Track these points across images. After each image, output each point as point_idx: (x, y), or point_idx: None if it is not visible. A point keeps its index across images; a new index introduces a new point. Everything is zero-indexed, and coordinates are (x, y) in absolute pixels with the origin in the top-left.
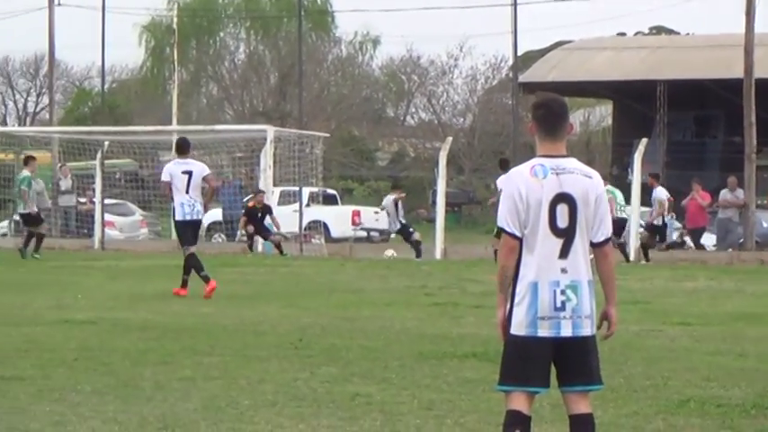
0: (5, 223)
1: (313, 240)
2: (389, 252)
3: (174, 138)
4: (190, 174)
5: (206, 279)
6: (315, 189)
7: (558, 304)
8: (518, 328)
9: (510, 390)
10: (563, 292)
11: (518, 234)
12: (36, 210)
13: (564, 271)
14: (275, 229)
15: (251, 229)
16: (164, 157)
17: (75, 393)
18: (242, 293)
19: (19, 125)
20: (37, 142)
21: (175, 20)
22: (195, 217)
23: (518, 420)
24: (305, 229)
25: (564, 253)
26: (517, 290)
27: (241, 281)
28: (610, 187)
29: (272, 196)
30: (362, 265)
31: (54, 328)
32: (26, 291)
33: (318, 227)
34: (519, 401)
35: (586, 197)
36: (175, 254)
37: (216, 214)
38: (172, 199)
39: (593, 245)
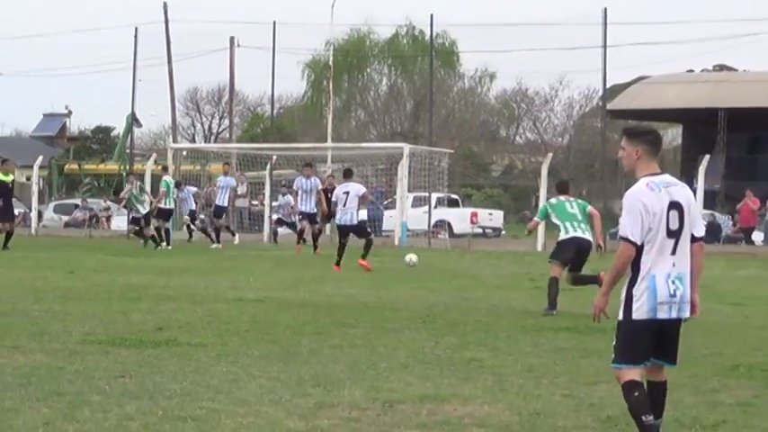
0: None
1: (439, 236)
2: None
3: (330, 153)
4: (347, 193)
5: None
6: (441, 194)
7: (671, 292)
8: (640, 313)
9: (627, 367)
10: (674, 282)
11: (639, 242)
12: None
13: (674, 265)
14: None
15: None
16: (320, 169)
17: (246, 357)
18: (380, 278)
19: (205, 143)
20: (219, 156)
21: (331, 58)
22: (349, 223)
23: (636, 386)
24: (433, 227)
25: (674, 250)
26: (638, 283)
27: (380, 268)
28: None
29: (406, 201)
30: (478, 256)
31: (230, 304)
32: (208, 275)
33: (443, 225)
34: (634, 373)
35: (689, 204)
36: (328, 246)
37: (361, 215)
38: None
39: (693, 239)
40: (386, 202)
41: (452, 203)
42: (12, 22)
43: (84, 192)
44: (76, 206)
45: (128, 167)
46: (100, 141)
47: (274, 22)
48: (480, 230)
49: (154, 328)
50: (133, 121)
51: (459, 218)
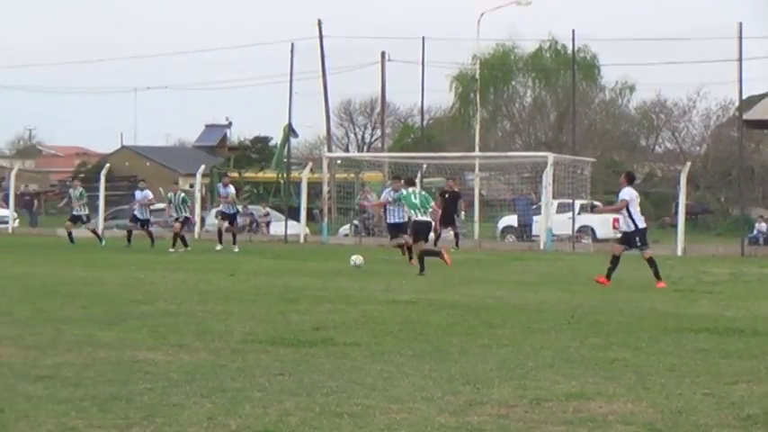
0: (347, 227)
1: (582, 241)
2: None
3: (477, 162)
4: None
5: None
6: (584, 201)
7: None
8: None
9: None
10: None
11: None
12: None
13: None
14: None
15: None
16: (468, 177)
17: (399, 356)
18: (527, 281)
19: (358, 152)
20: (371, 165)
21: (478, 71)
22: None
23: None
24: (576, 232)
25: None
26: None
27: (527, 271)
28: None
29: (551, 207)
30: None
31: (383, 306)
32: (362, 278)
33: (587, 230)
34: None
35: None
36: (476, 251)
37: (510, 220)
38: None
39: None
40: (533, 207)
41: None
42: (176, 38)
43: (244, 198)
44: (237, 212)
45: (285, 176)
46: (258, 151)
47: (423, 38)
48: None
49: (311, 328)
50: (290, 131)
51: (602, 223)
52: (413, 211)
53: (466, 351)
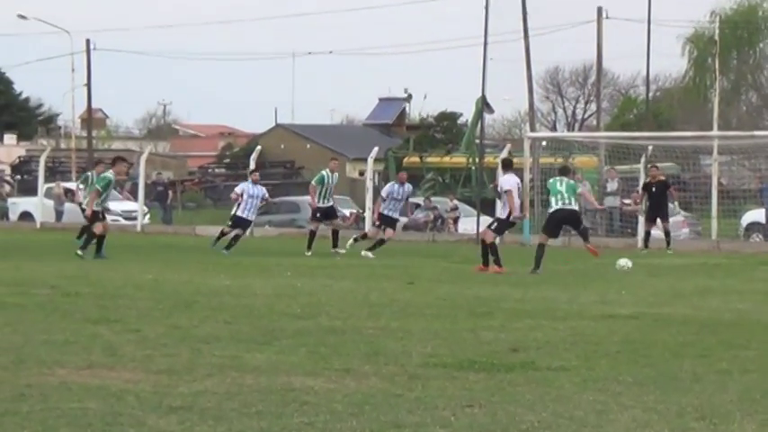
0: None
1: None
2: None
3: (716, 143)
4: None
5: None
6: None
7: None
8: None
9: None
10: None
11: None
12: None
13: None
14: None
15: None
16: (704, 161)
17: (617, 383)
18: None
19: (567, 131)
20: (584, 147)
21: (717, 32)
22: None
23: None
24: None
25: None
26: None
27: None
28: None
29: None
30: None
31: (598, 322)
32: (571, 287)
33: None
34: None
35: None
36: (713, 253)
37: (757, 215)
38: None
39: None
40: None
41: None
42: None
43: (427, 189)
44: (418, 206)
45: (477, 161)
46: (445, 130)
47: None
48: None
49: (507, 349)
50: (484, 106)
51: None
52: (553, 199)
53: (700, 378)
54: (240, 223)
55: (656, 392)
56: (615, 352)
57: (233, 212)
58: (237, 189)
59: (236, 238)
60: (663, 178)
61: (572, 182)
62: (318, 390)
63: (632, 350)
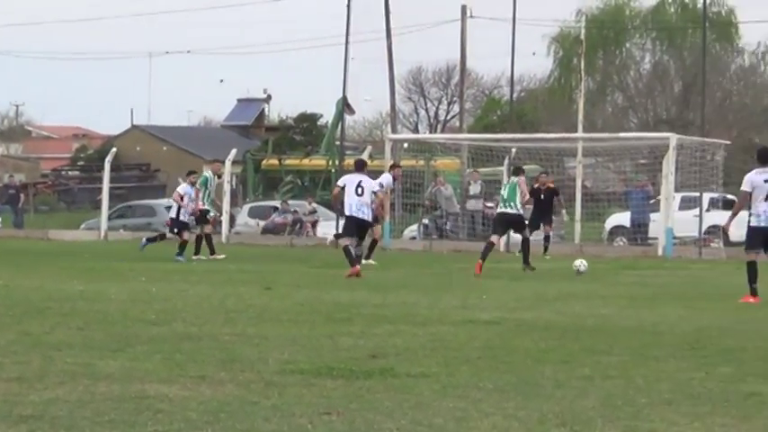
0: (414, 227)
1: (712, 245)
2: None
3: (580, 145)
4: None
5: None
6: (715, 195)
7: None
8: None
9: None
10: None
11: None
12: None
13: None
14: None
15: None
16: (568, 164)
17: (477, 390)
18: (641, 295)
19: (429, 133)
20: (447, 149)
21: (583, 31)
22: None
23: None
24: (704, 234)
25: None
26: None
27: (641, 283)
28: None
29: (672, 202)
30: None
31: (459, 327)
32: (432, 291)
33: (717, 232)
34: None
35: None
36: (576, 257)
37: (621, 219)
38: None
39: None
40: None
41: (728, 205)
42: None
43: (285, 192)
44: (276, 209)
45: (337, 163)
46: (304, 132)
47: None
48: None
49: (366, 356)
50: (344, 107)
51: (737, 223)
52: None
53: (561, 384)
54: (183, 227)
55: (517, 399)
56: (476, 358)
57: (173, 216)
58: (181, 190)
59: (163, 237)
60: (552, 185)
61: (514, 182)
62: (173, 397)
63: (493, 356)
